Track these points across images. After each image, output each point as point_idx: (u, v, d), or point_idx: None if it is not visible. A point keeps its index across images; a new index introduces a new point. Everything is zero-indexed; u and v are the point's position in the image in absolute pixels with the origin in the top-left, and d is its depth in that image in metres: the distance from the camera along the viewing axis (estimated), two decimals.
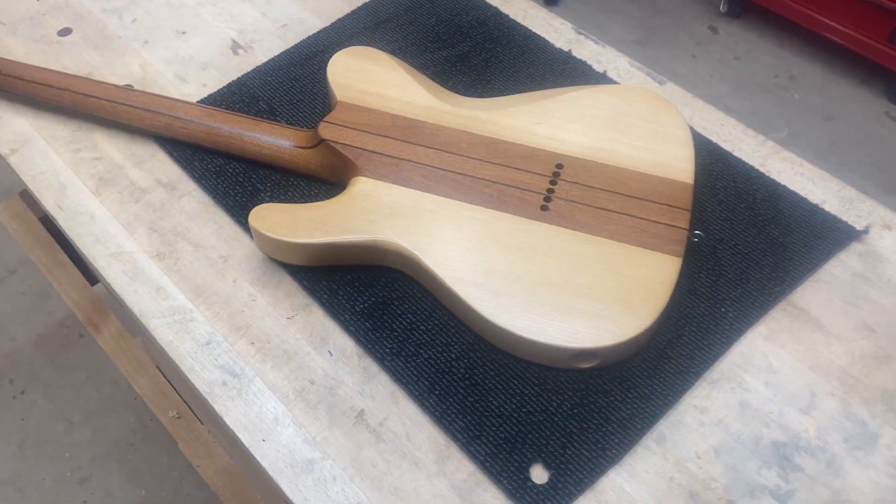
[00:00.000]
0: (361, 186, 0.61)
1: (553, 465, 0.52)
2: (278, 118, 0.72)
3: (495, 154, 0.63)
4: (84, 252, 0.64)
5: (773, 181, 0.66)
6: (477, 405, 0.54)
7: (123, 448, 1.38)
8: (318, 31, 0.79)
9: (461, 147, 0.64)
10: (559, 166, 0.62)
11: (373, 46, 0.73)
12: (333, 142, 0.64)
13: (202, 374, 0.57)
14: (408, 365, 0.57)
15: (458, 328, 0.58)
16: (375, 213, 0.60)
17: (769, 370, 0.56)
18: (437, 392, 0.55)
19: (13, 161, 0.70)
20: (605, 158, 0.63)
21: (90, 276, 1.10)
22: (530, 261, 0.57)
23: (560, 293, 0.55)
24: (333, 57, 0.69)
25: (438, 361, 0.57)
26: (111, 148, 0.71)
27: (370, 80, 0.68)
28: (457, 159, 0.63)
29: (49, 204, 0.67)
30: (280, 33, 0.80)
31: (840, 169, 1.65)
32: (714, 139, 0.69)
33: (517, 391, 0.55)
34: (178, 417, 0.99)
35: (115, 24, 0.81)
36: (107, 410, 1.42)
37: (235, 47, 0.79)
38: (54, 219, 0.67)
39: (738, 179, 0.66)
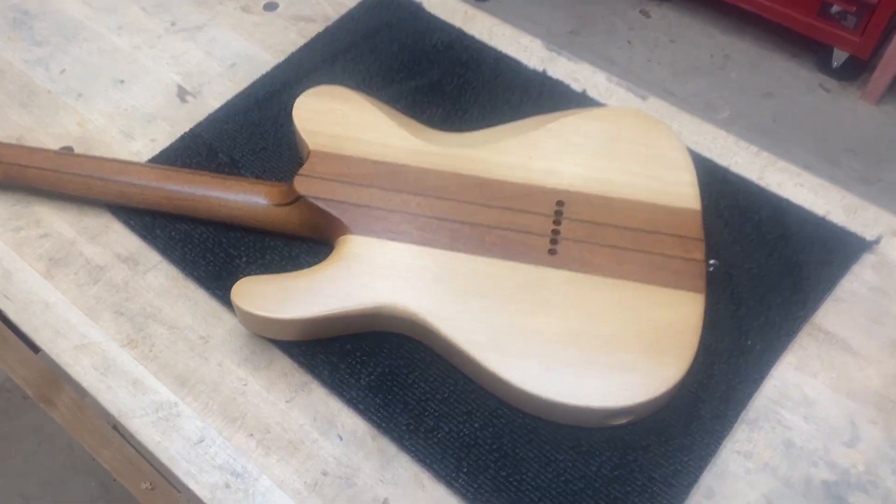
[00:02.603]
0: (352, 246, 0.56)
1: None
2: (242, 171, 0.66)
3: (490, 196, 0.59)
4: (43, 348, 0.57)
5: (775, 195, 0.63)
6: (511, 480, 0.50)
7: None
8: (272, 69, 0.73)
9: (452, 191, 0.59)
10: (560, 203, 0.58)
11: (333, 81, 0.67)
12: (313, 198, 0.58)
13: (200, 477, 0.51)
14: (428, 442, 0.52)
15: (476, 393, 0.54)
16: (372, 275, 0.55)
17: (806, 403, 0.54)
18: (465, 470, 0.51)
19: None
20: (607, 190, 0.59)
21: (33, 345, 1.01)
22: (548, 314, 0.53)
23: (585, 347, 0.51)
24: (297, 101, 0.64)
25: (462, 434, 0.52)
26: (58, 222, 0.63)
27: (342, 123, 0.62)
28: (451, 205, 0.58)
29: None
30: (229, 74, 0.74)
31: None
32: (708, 154, 0.66)
33: (551, 458, 0.51)
34: (153, 489, 0.92)
35: (42, 76, 0.73)
36: (64, 479, 1.32)
37: (182, 94, 0.72)
38: (2, 311, 0.59)
39: (740, 197, 0.63)
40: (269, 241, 0.61)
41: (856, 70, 1.77)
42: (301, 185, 0.59)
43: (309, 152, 0.61)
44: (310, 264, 0.60)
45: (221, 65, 0.74)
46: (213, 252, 0.61)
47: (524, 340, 0.52)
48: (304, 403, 0.54)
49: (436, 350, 0.55)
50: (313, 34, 0.76)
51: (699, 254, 0.56)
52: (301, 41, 0.76)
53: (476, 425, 0.52)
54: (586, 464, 0.51)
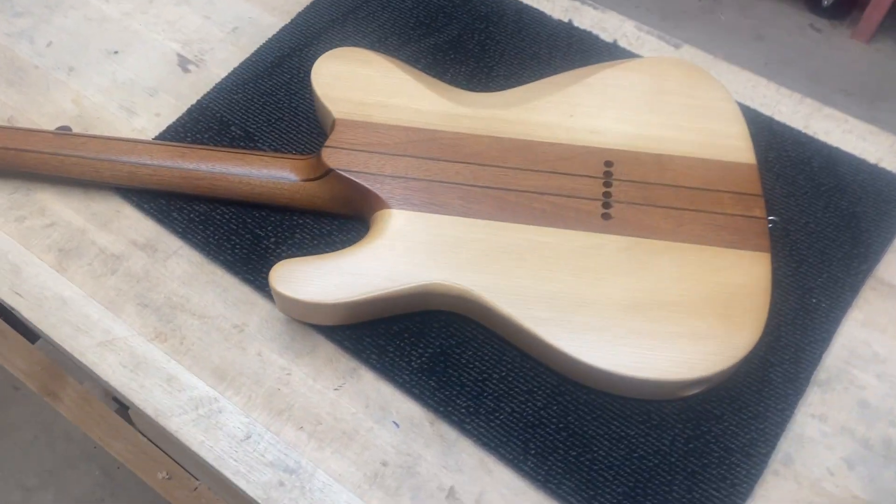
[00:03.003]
0: (392, 222, 0.52)
1: None
2: (259, 145, 0.61)
3: (534, 160, 0.55)
4: (64, 347, 0.53)
5: (825, 144, 0.60)
6: (582, 459, 0.48)
7: None
8: (278, 32, 0.68)
9: (493, 156, 0.55)
10: (608, 164, 0.55)
11: (345, 43, 0.63)
12: (344, 171, 0.54)
13: (251, 476, 0.48)
14: (491, 424, 0.49)
15: (535, 370, 0.51)
16: (418, 251, 0.51)
17: (877, 360, 0.52)
18: (532, 451, 0.48)
19: None
20: (656, 147, 0.56)
21: (30, 334, 0.97)
22: (609, 283, 0.50)
23: (653, 317, 0.49)
24: (315, 66, 0.59)
25: (525, 414, 0.49)
26: (64, 209, 0.58)
27: (365, 87, 0.58)
28: (493, 172, 0.54)
29: (2, 292, 0.55)
30: (232, 39, 0.68)
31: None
32: (751, 104, 0.63)
33: (622, 434, 0.49)
34: (169, 478, 0.89)
35: (26, 50, 0.67)
36: (65, 468, 1.28)
37: (184, 63, 0.67)
38: (14, 309, 0.55)
39: (789, 148, 0.60)
40: (296, 218, 0.57)
41: (846, 9, 1.74)
42: (330, 157, 0.55)
43: (334, 121, 0.57)
44: (344, 242, 0.56)
45: (222, 29, 0.69)
46: (238, 234, 0.57)
47: (587, 313, 0.49)
48: (354, 390, 0.51)
49: (489, 326, 0.52)
50: None
51: (760, 211, 0.53)
52: (306, 1, 0.70)
53: (539, 404, 0.50)
54: (659, 438, 0.48)
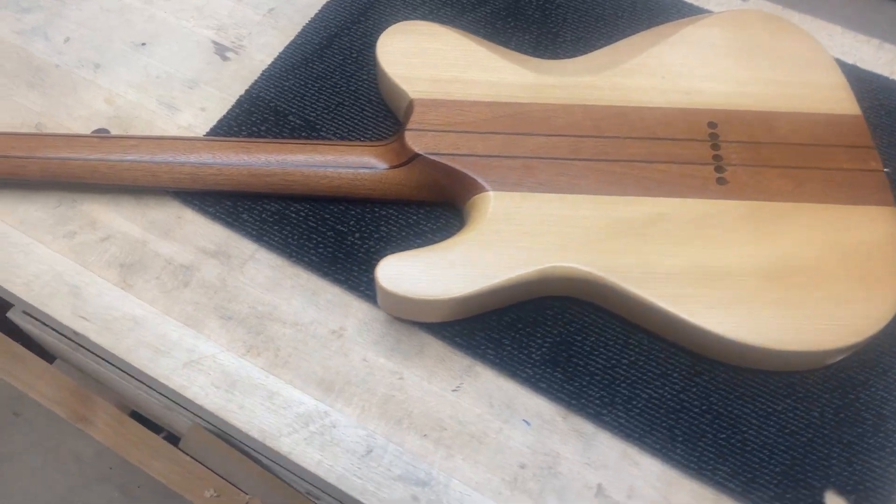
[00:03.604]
0: (494, 205, 0.48)
1: (848, 486, 0.44)
2: (323, 134, 0.56)
3: (632, 127, 0.51)
4: (146, 371, 0.48)
5: None
6: (733, 441, 0.45)
7: None
8: (321, 11, 0.63)
9: (588, 126, 0.51)
10: (712, 125, 0.52)
11: (396, 17, 0.59)
12: (434, 154, 0.50)
13: (381, 493, 0.44)
14: (629, 413, 0.46)
15: (666, 351, 0.48)
16: (529, 234, 0.47)
17: None
18: (680, 438, 0.45)
19: None
20: (757, 104, 0.53)
21: (46, 355, 0.90)
22: (738, 251, 0.47)
23: (792, 284, 0.46)
24: (379, 44, 0.54)
25: (664, 399, 0.46)
26: (118, 220, 0.53)
27: (438, 63, 0.54)
28: (592, 143, 0.51)
29: (65, 317, 0.49)
30: (270, 21, 0.63)
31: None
32: (831, 53, 0.60)
33: (769, 411, 0.46)
34: (218, 496, 0.84)
35: (43, 48, 0.61)
36: (80, 490, 1.21)
37: (221, 50, 0.61)
38: (82, 335, 0.49)
39: (881, 95, 0.58)
40: (378, 210, 0.53)
41: None
42: (415, 141, 0.50)
43: (411, 102, 0.52)
44: (434, 231, 0.52)
45: (257, 11, 0.63)
46: (319, 231, 0.52)
47: (723, 285, 0.46)
48: (474, 390, 0.47)
49: (610, 309, 0.49)
50: None
51: (876, 163, 0.51)
52: None
53: (677, 387, 0.47)
54: (808, 411, 0.46)
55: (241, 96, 0.58)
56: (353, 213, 0.53)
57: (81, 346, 0.67)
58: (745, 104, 0.53)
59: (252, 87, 0.58)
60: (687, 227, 0.48)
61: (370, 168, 0.51)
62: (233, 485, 0.85)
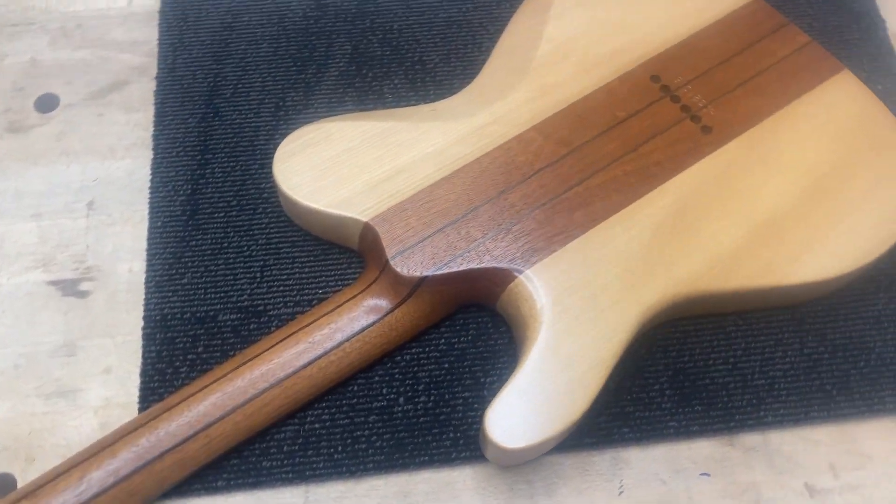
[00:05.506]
0: (536, 284, 0.41)
1: None
2: (273, 315, 0.45)
3: (591, 122, 0.46)
4: None
5: None
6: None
7: None
8: (154, 166, 0.49)
9: (552, 147, 0.45)
10: (655, 79, 0.48)
11: (245, 127, 0.48)
12: (440, 270, 0.41)
13: None
14: (778, 399, 0.43)
15: (760, 321, 0.45)
16: (596, 294, 0.41)
17: None
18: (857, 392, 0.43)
19: None
20: (673, 37, 0.49)
21: None
22: (765, 191, 0.44)
23: (831, 190, 0.44)
24: (279, 177, 0.44)
25: (802, 366, 0.44)
26: None
27: (360, 167, 0.44)
28: (571, 162, 0.45)
29: None
30: (101, 218, 0.48)
31: None
32: None
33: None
34: None
35: None
36: None
37: (71, 287, 0.46)
38: None
39: None
40: (399, 358, 0.44)
41: None
42: (409, 266, 0.41)
43: (365, 226, 0.43)
44: (475, 340, 0.44)
45: (74, 216, 0.48)
46: (357, 422, 0.42)
47: (781, 233, 0.43)
48: (636, 479, 0.41)
49: (690, 314, 0.45)
50: None
51: (801, 36, 0.50)
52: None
53: (809, 349, 0.44)
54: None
55: (143, 330, 0.44)
56: (375, 380, 0.43)
57: None
58: (662, 43, 0.49)
59: (148, 308, 0.45)
60: (711, 196, 0.44)
61: (374, 319, 0.42)
62: None
